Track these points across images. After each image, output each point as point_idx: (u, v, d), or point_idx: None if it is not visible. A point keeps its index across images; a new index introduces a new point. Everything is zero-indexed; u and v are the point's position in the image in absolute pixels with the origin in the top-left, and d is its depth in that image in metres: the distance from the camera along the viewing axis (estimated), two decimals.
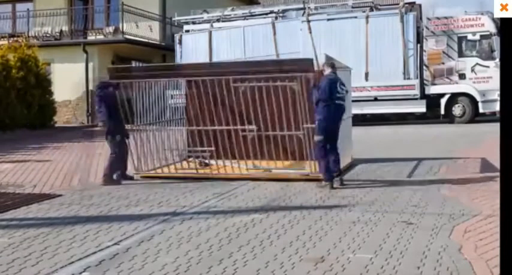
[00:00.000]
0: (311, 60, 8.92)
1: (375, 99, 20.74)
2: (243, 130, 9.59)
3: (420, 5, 21.67)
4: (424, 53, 20.49)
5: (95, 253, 5.38)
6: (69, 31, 24.61)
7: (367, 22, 20.58)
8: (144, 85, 9.96)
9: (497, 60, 18.68)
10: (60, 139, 17.57)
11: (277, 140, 9.50)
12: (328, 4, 24.36)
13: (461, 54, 20.24)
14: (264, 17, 22.66)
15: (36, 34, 23.95)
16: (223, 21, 23.03)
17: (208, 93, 9.74)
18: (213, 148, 9.68)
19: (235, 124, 9.64)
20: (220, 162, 9.91)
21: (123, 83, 9.57)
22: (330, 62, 8.90)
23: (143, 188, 8.82)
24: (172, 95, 10.77)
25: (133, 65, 21.02)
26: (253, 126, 9.48)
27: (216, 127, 9.70)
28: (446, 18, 20.75)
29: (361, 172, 10.02)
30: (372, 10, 21.37)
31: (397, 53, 20.29)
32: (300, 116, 9.07)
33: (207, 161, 9.99)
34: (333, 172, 8.45)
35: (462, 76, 20.18)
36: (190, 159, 10.29)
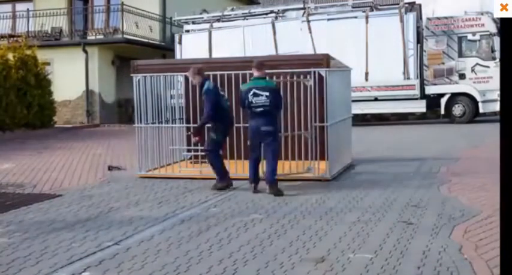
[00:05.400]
0: (325, 55, 8.88)
1: (375, 99, 20.74)
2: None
3: (420, 5, 21.67)
4: (424, 53, 20.49)
5: (95, 253, 5.38)
6: (69, 31, 24.61)
7: (367, 22, 20.58)
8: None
9: (497, 60, 18.69)
10: (60, 139, 17.58)
11: (284, 140, 9.46)
12: (328, 4, 24.33)
13: (461, 54, 20.25)
14: (264, 17, 22.65)
15: (36, 34, 23.95)
16: (223, 21, 23.02)
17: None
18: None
19: (239, 122, 9.61)
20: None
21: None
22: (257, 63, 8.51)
23: (143, 188, 8.82)
24: (172, 95, 10.74)
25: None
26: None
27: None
28: (446, 18, 20.75)
29: (361, 172, 10.02)
30: (372, 10, 21.35)
31: (397, 53, 20.27)
32: (309, 114, 9.09)
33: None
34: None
35: (462, 76, 20.19)
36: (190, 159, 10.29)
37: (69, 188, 9.00)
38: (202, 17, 23.44)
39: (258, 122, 8.17)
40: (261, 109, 8.12)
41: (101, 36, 24.08)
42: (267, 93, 8.12)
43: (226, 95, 8.92)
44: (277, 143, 8.37)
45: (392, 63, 20.28)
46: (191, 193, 8.32)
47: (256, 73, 8.35)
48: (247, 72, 9.26)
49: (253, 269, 4.83)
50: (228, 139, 9.21)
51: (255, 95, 8.11)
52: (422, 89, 20.48)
